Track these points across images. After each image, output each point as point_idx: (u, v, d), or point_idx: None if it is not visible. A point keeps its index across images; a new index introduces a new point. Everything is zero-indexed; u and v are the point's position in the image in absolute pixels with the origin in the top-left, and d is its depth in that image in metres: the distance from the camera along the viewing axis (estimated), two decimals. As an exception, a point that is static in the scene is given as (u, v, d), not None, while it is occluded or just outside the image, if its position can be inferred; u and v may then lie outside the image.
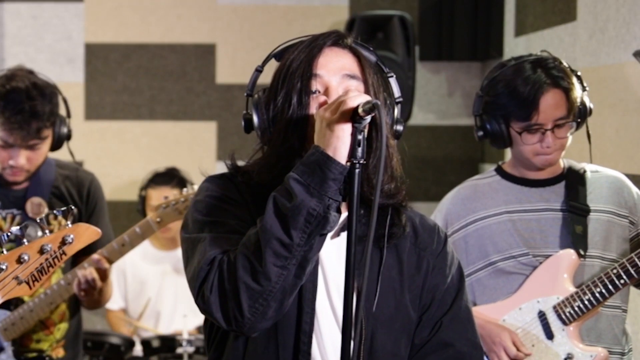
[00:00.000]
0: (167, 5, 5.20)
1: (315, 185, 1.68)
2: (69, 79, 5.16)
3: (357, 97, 1.69)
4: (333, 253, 1.86)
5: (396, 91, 1.90)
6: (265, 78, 1.93)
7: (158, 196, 4.58)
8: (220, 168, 1.98)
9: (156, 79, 5.21)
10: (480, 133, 2.74)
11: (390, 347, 1.88)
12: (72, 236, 1.86)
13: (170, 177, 4.66)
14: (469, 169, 5.08)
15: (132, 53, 5.19)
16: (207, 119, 5.22)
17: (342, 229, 1.87)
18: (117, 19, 5.18)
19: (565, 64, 2.72)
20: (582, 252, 2.67)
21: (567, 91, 2.65)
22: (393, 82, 1.90)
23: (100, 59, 5.18)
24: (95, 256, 2.95)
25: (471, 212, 2.77)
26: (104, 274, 2.96)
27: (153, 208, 4.55)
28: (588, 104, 2.72)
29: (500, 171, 2.83)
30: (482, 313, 2.72)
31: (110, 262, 2.98)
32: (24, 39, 5.12)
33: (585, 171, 2.78)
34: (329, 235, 1.84)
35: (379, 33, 4.77)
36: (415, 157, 5.16)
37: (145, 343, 4.29)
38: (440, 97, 5.23)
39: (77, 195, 3.15)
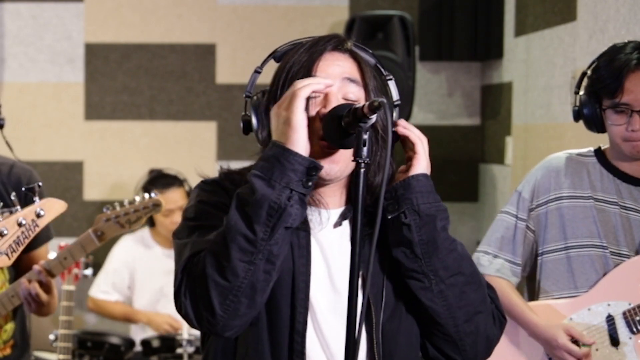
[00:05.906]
0: (167, 5, 5.19)
1: (275, 178, 1.69)
2: (69, 79, 5.16)
3: (307, 85, 1.73)
4: (335, 244, 1.85)
5: (395, 94, 1.89)
6: (265, 78, 1.93)
7: (168, 199, 4.39)
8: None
9: (156, 79, 5.21)
10: (576, 110, 2.61)
11: (404, 338, 1.86)
12: (42, 210, 2.08)
13: (172, 178, 4.60)
14: (469, 169, 5.07)
15: (132, 53, 5.19)
16: (207, 119, 5.22)
17: (343, 217, 1.85)
18: (117, 19, 5.18)
19: None
20: None
21: None
22: (392, 85, 1.89)
23: (100, 59, 5.18)
24: (36, 267, 2.86)
25: (558, 188, 2.64)
26: (47, 288, 2.87)
27: (166, 212, 4.43)
28: None
29: (599, 155, 2.66)
30: (546, 312, 2.62)
31: (52, 275, 2.89)
32: (24, 39, 5.12)
33: None
34: (331, 225, 1.84)
35: (379, 33, 4.77)
36: (415, 157, 5.15)
37: (145, 343, 4.29)
38: (440, 97, 5.22)
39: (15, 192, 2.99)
